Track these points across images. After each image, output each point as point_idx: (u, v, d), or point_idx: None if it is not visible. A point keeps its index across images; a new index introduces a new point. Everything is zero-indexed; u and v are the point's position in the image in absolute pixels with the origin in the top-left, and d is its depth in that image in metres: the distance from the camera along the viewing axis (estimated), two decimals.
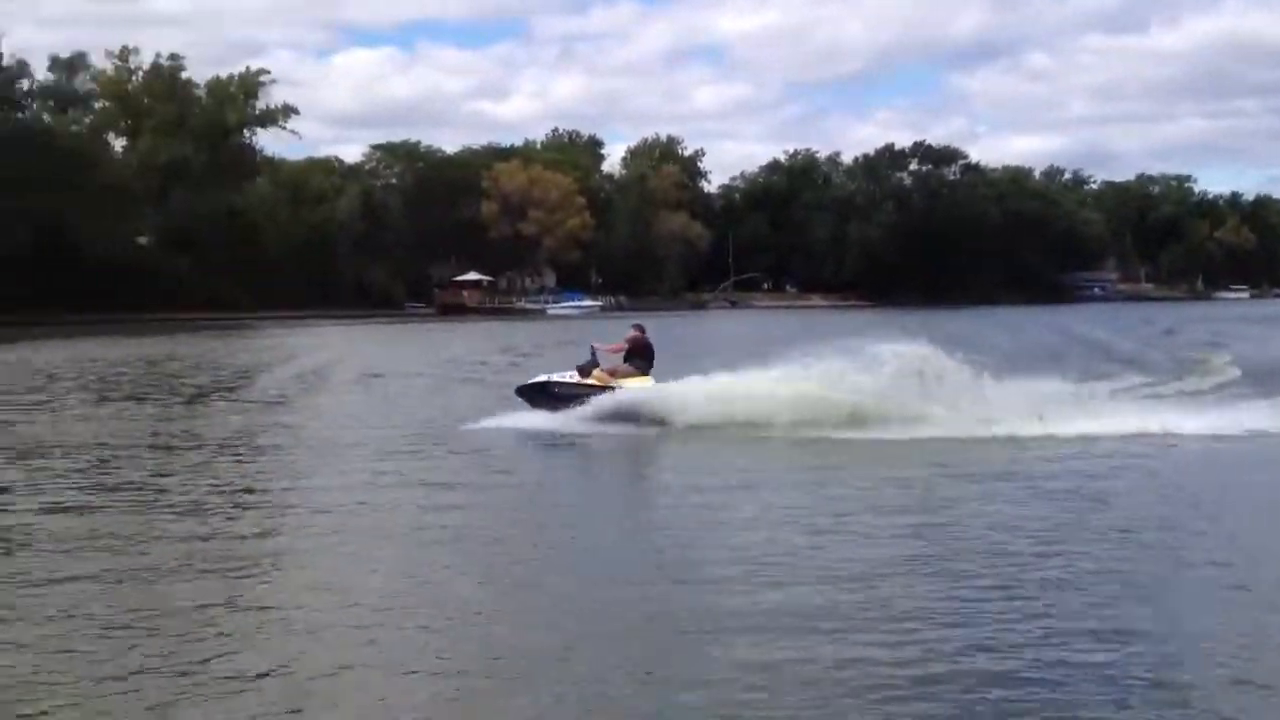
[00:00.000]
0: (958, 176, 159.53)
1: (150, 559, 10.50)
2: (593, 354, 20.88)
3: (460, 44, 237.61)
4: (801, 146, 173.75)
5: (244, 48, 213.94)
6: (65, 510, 12.85)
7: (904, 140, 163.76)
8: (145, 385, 30.46)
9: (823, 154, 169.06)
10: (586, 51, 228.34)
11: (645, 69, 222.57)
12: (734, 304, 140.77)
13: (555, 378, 20.96)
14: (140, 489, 14.14)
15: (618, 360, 20.75)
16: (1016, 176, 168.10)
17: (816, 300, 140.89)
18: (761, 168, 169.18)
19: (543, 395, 20.57)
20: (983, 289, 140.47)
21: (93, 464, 16.26)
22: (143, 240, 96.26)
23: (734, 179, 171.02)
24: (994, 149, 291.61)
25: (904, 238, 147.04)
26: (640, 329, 21.33)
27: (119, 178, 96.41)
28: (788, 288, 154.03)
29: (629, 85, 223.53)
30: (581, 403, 19.59)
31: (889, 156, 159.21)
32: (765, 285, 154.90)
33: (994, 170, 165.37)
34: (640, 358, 20.66)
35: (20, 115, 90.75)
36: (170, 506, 12.99)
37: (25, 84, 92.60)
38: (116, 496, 13.71)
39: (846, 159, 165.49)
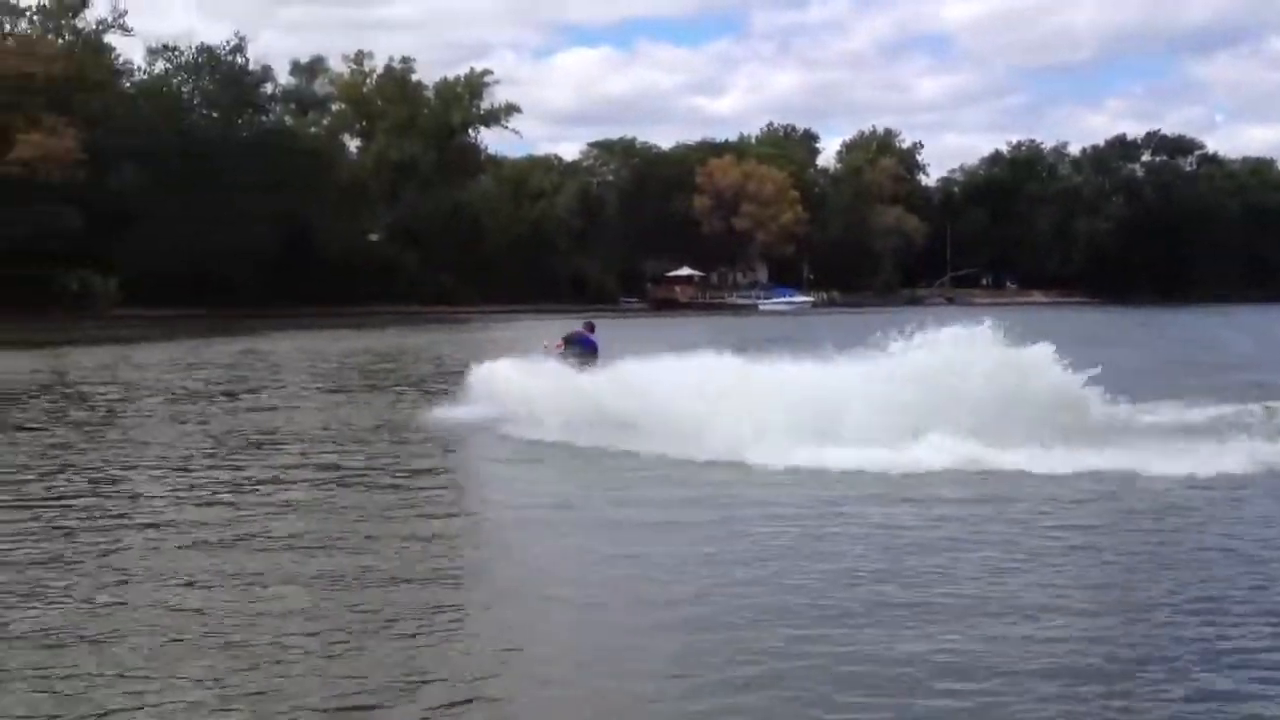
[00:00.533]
0: (1194, 168, 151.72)
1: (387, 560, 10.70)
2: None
3: (677, 41, 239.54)
4: (1026, 137, 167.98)
5: (470, 49, 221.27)
6: (287, 505, 13.60)
7: (1135, 130, 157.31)
8: (382, 376, 32.30)
9: (1048, 145, 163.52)
10: (804, 45, 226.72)
11: (863, 61, 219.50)
12: (951, 300, 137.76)
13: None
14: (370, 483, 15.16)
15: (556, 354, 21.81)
16: (1258, 168, 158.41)
17: (1038, 297, 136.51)
18: (983, 159, 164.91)
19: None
20: (1219, 286, 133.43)
21: (322, 452, 17.59)
22: (373, 237, 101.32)
23: (953, 171, 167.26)
24: (1233, 139, 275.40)
25: (1134, 232, 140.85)
26: (588, 326, 23.21)
27: (354, 177, 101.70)
28: (1008, 284, 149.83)
29: (846, 78, 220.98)
30: None
31: (1119, 147, 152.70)
32: (984, 281, 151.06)
33: (1233, 161, 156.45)
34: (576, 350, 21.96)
35: (264, 119, 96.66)
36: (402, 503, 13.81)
37: (269, 88, 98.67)
38: (337, 489, 14.61)
39: (1074, 150, 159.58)
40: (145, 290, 78.68)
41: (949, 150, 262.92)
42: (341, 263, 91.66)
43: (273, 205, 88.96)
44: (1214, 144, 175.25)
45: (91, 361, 36.29)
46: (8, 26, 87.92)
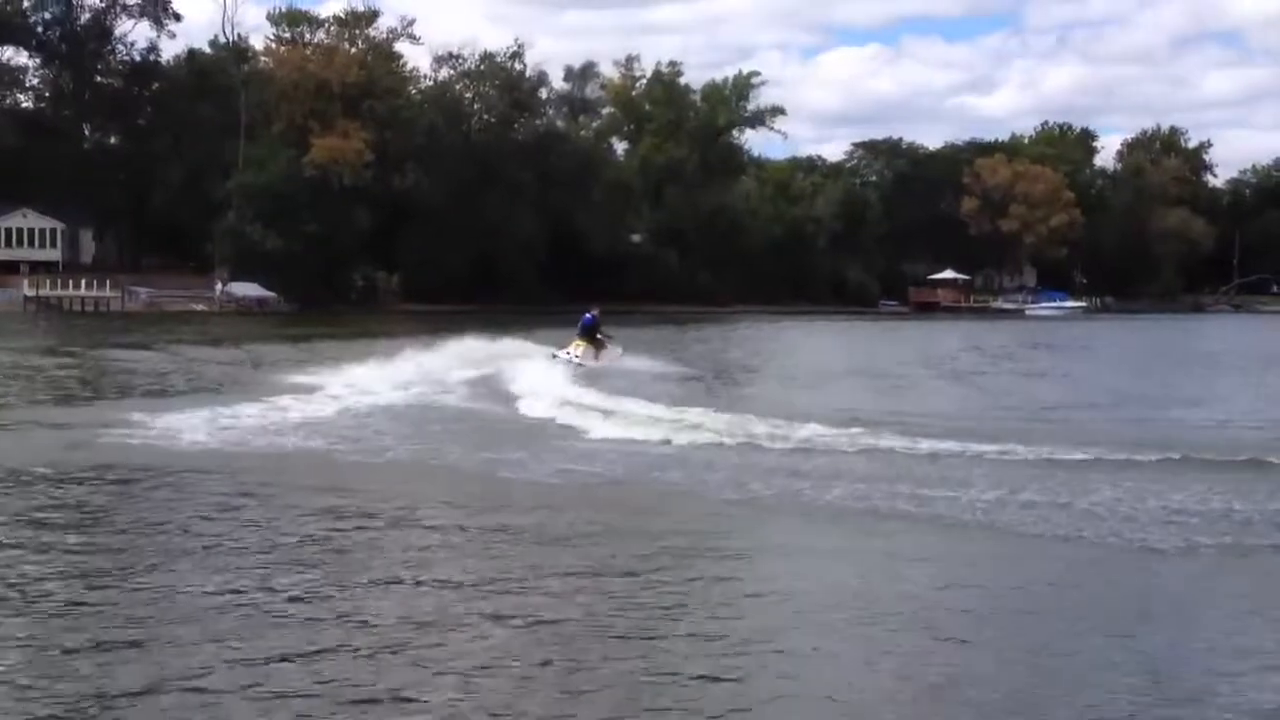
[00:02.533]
0: None
1: None
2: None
3: (948, 38, 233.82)
4: None
5: (737, 50, 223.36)
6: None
7: None
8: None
9: None
10: (1083, 39, 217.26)
11: (1148, 56, 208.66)
12: (1238, 308, 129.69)
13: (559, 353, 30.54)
14: None
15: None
16: None
17: None
18: (1276, 159, 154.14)
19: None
20: None
21: None
22: (637, 237, 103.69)
23: (1244, 172, 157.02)
24: None
25: None
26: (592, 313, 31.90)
27: (621, 179, 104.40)
28: None
29: (1129, 74, 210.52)
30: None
31: None
32: (1275, 288, 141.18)
33: None
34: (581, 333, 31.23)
35: (538, 122, 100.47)
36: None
37: (544, 93, 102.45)
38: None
39: None
40: (423, 286, 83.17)
41: (1240, 150, 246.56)
42: (606, 261, 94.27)
43: (544, 205, 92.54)
44: None
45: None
46: (308, 36, 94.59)
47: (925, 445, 17.05)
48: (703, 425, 18.80)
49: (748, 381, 32.54)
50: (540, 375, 25.72)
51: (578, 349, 30.28)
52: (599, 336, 31.55)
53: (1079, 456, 16.27)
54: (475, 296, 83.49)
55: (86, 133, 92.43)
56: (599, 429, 18.76)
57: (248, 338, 44.33)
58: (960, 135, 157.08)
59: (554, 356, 29.91)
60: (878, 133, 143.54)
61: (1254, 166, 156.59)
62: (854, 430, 18.35)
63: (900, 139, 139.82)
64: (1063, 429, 20.39)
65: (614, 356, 31.32)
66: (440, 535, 11.91)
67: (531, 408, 21.66)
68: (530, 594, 9.66)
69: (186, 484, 13.94)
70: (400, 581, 9.94)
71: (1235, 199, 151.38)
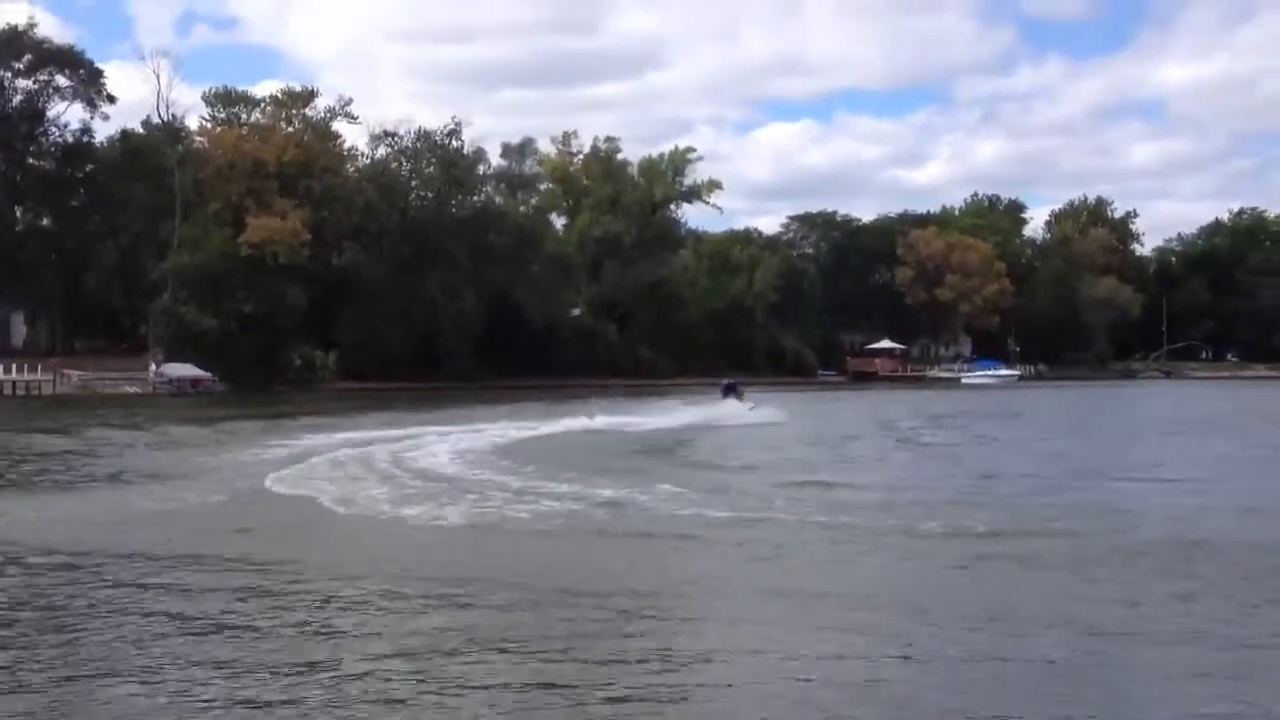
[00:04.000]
0: None
1: None
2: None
3: (878, 113, 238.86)
4: (1248, 204, 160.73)
5: (672, 124, 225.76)
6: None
7: None
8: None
9: (1272, 212, 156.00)
10: (1010, 112, 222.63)
11: (1073, 128, 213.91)
12: (1168, 374, 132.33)
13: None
14: None
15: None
16: None
17: (1262, 371, 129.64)
18: (1202, 228, 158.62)
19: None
20: None
21: None
22: (576, 311, 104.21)
23: (1170, 240, 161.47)
24: None
25: None
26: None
27: (560, 253, 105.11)
28: (1229, 357, 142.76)
29: (1055, 145, 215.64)
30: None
31: None
32: (1204, 354, 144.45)
33: None
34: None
35: (476, 199, 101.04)
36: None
37: (482, 169, 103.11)
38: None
39: None
40: (361, 364, 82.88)
41: (1165, 219, 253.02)
42: (545, 335, 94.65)
43: (482, 281, 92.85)
44: None
45: None
46: (244, 116, 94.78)
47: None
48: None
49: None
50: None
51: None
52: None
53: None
54: (414, 373, 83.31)
55: (18, 215, 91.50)
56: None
57: (167, 419, 44.03)
58: (893, 207, 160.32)
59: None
60: (812, 205, 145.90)
61: (1179, 235, 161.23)
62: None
63: (835, 211, 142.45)
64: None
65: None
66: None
67: None
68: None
69: None
70: None
71: (1162, 267, 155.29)
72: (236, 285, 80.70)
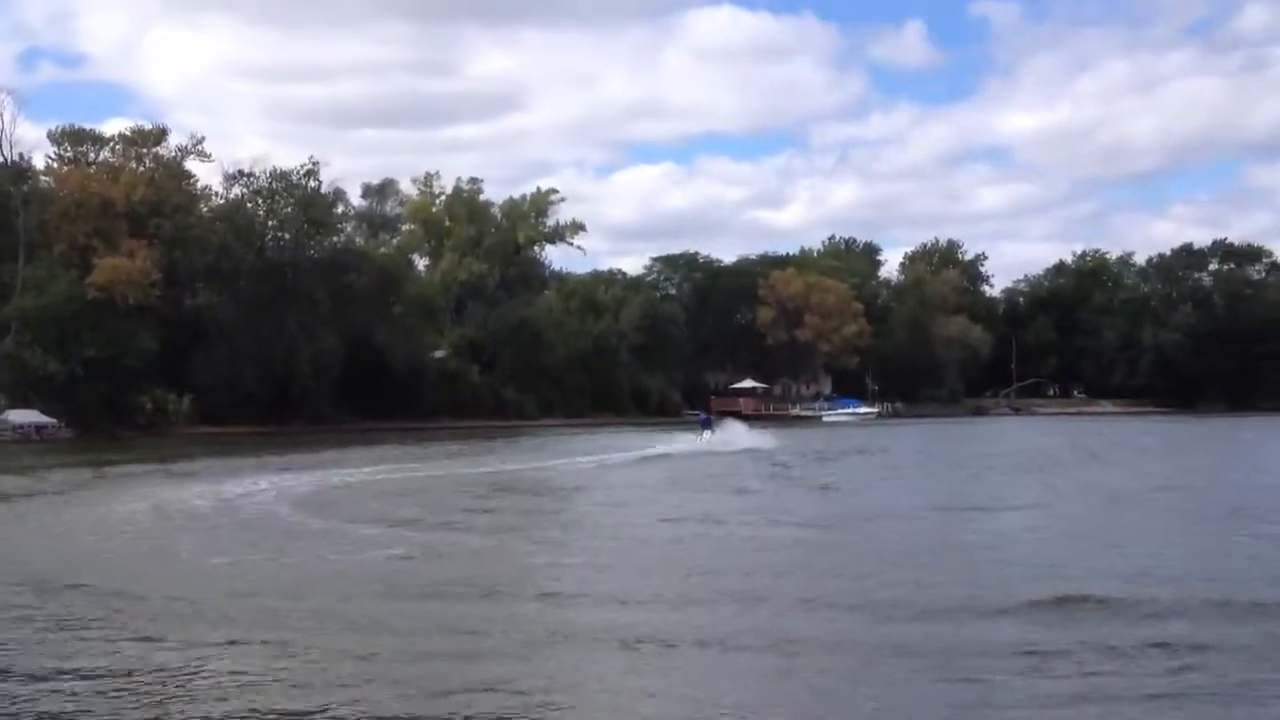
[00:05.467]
0: (1263, 276, 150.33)
1: None
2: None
3: (737, 156, 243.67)
4: (1090, 247, 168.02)
5: (534, 166, 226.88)
6: None
7: (1202, 238, 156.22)
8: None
9: (1113, 254, 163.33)
10: (864, 157, 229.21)
11: (924, 172, 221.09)
12: (1017, 410, 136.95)
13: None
14: None
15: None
16: None
17: (1106, 406, 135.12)
18: (1047, 270, 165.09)
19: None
20: None
21: None
22: (439, 353, 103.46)
23: (1018, 281, 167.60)
24: None
25: (1204, 341, 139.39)
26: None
27: (422, 295, 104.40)
28: (1075, 393, 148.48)
29: (907, 189, 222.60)
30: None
31: (1186, 256, 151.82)
32: (1051, 391, 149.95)
33: None
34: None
35: (336, 240, 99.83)
36: None
37: (341, 209, 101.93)
38: None
39: (1140, 259, 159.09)
40: (217, 407, 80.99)
41: (1013, 260, 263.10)
42: (407, 377, 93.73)
43: (342, 323, 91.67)
44: None
45: None
46: (92, 155, 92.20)
47: None
48: None
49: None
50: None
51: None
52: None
53: None
54: (271, 417, 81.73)
55: None
56: None
57: None
58: (754, 249, 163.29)
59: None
60: (674, 246, 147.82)
61: (1026, 276, 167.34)
62: None
63: (696, 252, 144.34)
64: None
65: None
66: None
67: None
68: None
69: None
70: None
71: (1010, 307, 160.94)
72: (83, 328, 78.20)
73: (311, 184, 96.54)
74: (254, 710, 10.09)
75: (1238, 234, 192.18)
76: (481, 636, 12.80)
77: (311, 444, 54.99)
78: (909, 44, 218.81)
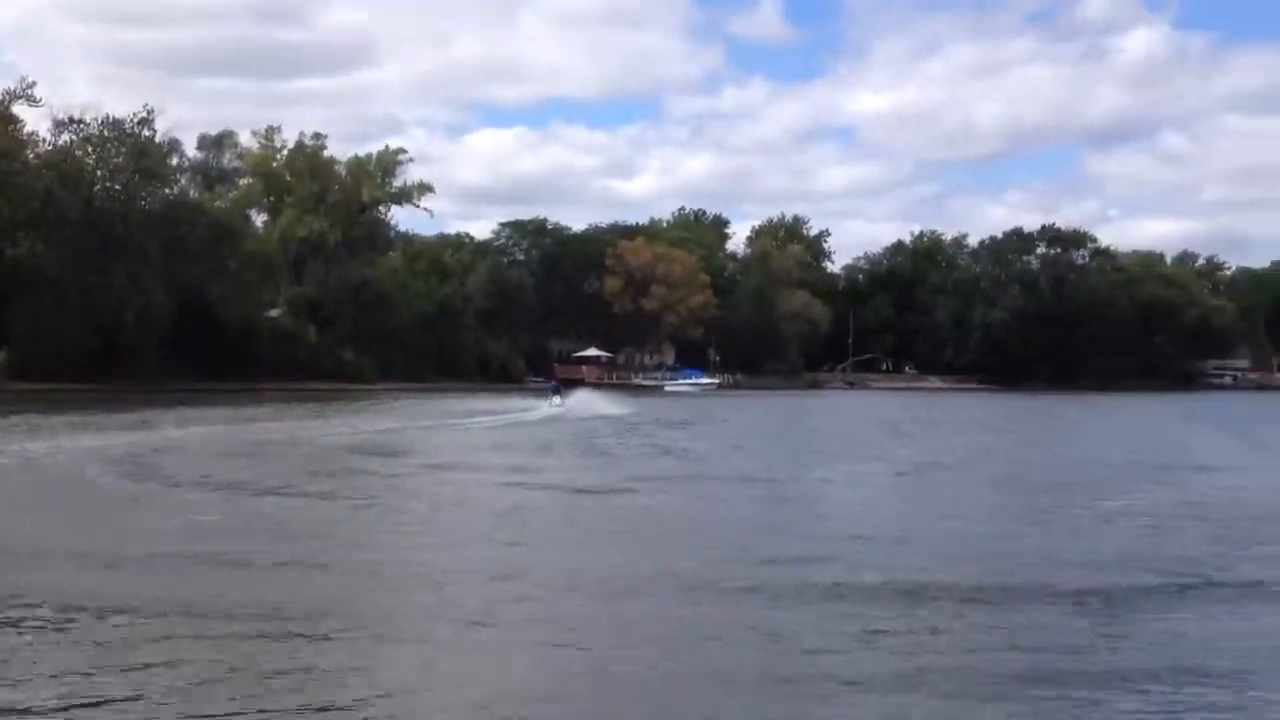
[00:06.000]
0: (1087, 261, 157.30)
1: None
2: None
3: (591, 123, 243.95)
4: (929, 227, 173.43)
5: (381, 124, 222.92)
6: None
7: (1033, 222, 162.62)
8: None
9: (949, 235, 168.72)
10: (717, 130, 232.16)
11: (774, 148, 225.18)
12: (851, 385, 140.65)
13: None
14: None
15: None
16: (1147, 261, 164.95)
17: (935, 383, 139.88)
18: (886, 248, 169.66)
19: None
20: (1109, 375, 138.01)
21: None
22: (275, 312, 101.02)
23: (858, 259, 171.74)
24: (1126, 233, 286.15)
25: (1029, 322, 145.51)
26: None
27: (260, 251, 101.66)
28: (907, 369, 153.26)
29: (757, 164, 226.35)
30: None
31: (1017, 239, 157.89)
32: (885, 366, 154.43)
33: (1125, 255, 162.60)
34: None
35: (169, 191, 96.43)
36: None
37: (176, 160, 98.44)
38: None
39: (973, 241, 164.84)
40: (36, 362, 77.69)
41: (855, 238, 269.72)
42: (240, 336, 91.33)
43: (174, 277, 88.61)
44: (1108, 237, 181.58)
45: None
46: None
47: None
48: None
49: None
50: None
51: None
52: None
53: None
54: (94, 373, 78.66)
55: None
56: None
57: None
58: (604, 217, 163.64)
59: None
60: (524, 212, 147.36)
61: (866, 254, 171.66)
62: None
63: (546, 219, 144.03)
64: None
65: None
66: None
67: None
68: None
69: None
70: None
71: (850, 284, 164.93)
72: None
73: (145, 133, 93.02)
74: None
75: (1069, 220, 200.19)
76: (278, 611, 12.33)
77: (136, 403, 53.29)
78: (765, 19, 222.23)
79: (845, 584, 13.90)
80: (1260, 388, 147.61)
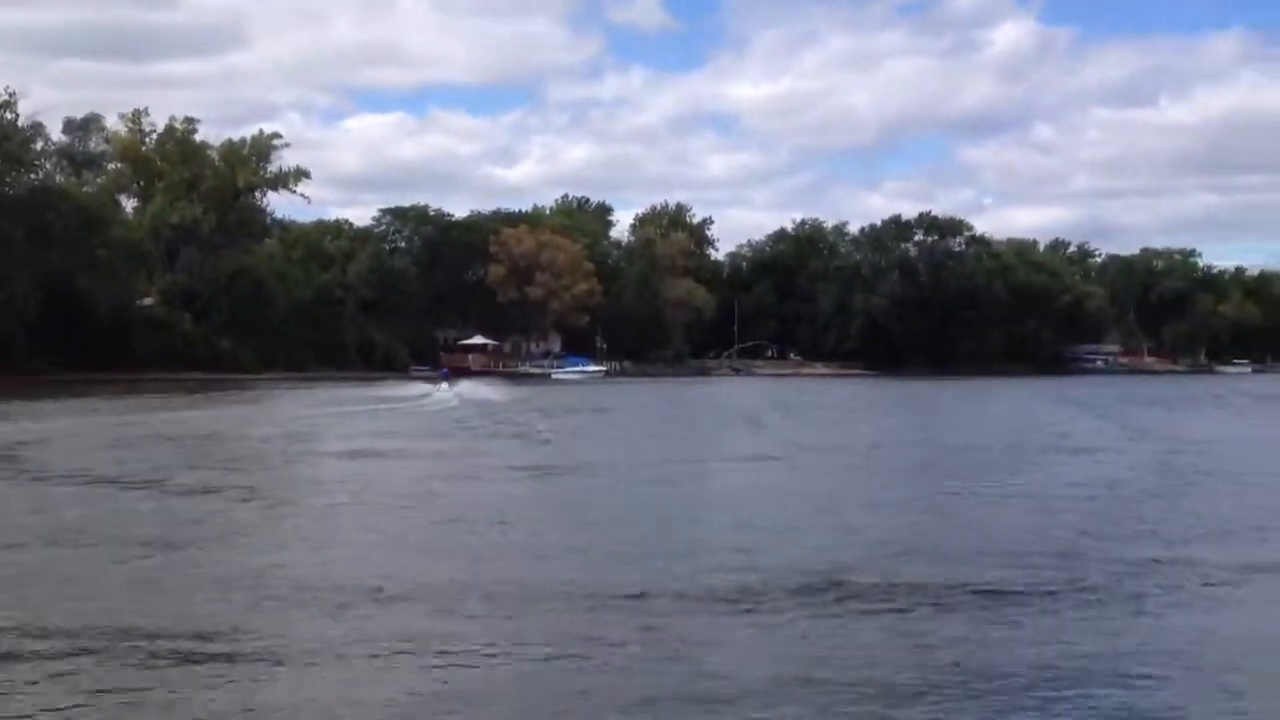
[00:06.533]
0: (963, 248, 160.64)
1: None
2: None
3: (472, 109, 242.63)
4: (809, 215, 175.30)
5: (253, 107, 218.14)
6: None
7: (911, 210, 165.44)
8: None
9: (830, 223, 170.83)
10: (598, 118, 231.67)
11: (655, 136, 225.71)
12: (738, 371, 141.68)
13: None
14: None
15: None
16: (1021, 249, 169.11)
17: (819, 369, 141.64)
18: (768, 236, 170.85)
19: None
20: (985, 360, 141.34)
21: None
22: (148, 300, 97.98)
23: (741, 247, 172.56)
24: (1000, 220, 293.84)
25: (908, 308, 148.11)
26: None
27: (130, 238, 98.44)
28: (791, 356, 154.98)
29: (639, 152, 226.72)
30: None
31: (895, 227, 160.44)
32: (770, 353, 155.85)
33: (999, 242, 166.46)
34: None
35: (34, 176, 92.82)
36: None
37: (40, 145, 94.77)
38: None
39: (854, 228, 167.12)
40: None
41: (737, 226, 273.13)
42: (112, 326, 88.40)
43: (39, 266, 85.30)
44: (983, 225, 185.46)
45: None
46: None
47: None
48: None
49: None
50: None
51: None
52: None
53: None
54: None
55: None
56: None
57: None
58: (486, 204, 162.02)
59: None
60: (404, 199, 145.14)
61: (749, 242, 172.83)
62: None
63: (427, 206, 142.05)
64: None
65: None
66: None
67: None
68: None
69: None
70: None
71: (734, 271, 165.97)
72: None
73: (8, 116, 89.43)
74: None
75: (945, 208, 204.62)
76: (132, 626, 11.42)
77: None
78: (645, 8, 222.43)
79: (725, 583, 13.28)
80: (1131, 371, 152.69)
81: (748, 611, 11.99)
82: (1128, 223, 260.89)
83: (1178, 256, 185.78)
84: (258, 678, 9.72)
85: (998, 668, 10.10)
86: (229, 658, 10.17)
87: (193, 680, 9.55)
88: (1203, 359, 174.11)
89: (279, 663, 10.10)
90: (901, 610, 12.22)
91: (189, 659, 10.07)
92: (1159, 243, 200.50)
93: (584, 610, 11.99)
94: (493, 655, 10.35)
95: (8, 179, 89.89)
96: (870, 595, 12.79)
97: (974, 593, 13.07)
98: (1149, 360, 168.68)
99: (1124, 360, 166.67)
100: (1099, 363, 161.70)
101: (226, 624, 11.23)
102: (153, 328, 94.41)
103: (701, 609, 12.21)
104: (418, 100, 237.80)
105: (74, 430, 35.79)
